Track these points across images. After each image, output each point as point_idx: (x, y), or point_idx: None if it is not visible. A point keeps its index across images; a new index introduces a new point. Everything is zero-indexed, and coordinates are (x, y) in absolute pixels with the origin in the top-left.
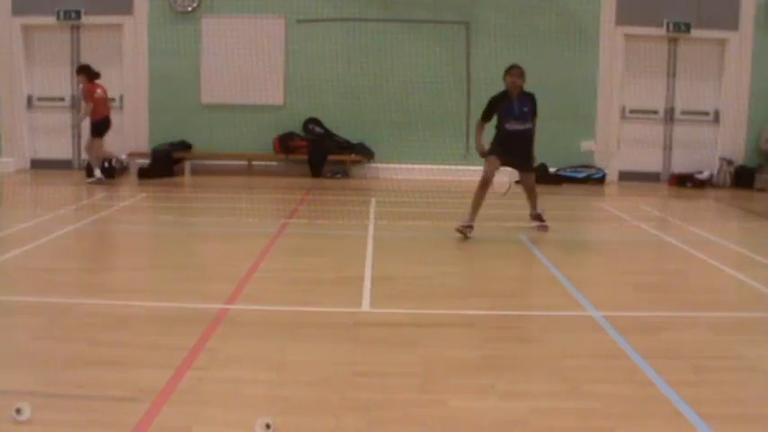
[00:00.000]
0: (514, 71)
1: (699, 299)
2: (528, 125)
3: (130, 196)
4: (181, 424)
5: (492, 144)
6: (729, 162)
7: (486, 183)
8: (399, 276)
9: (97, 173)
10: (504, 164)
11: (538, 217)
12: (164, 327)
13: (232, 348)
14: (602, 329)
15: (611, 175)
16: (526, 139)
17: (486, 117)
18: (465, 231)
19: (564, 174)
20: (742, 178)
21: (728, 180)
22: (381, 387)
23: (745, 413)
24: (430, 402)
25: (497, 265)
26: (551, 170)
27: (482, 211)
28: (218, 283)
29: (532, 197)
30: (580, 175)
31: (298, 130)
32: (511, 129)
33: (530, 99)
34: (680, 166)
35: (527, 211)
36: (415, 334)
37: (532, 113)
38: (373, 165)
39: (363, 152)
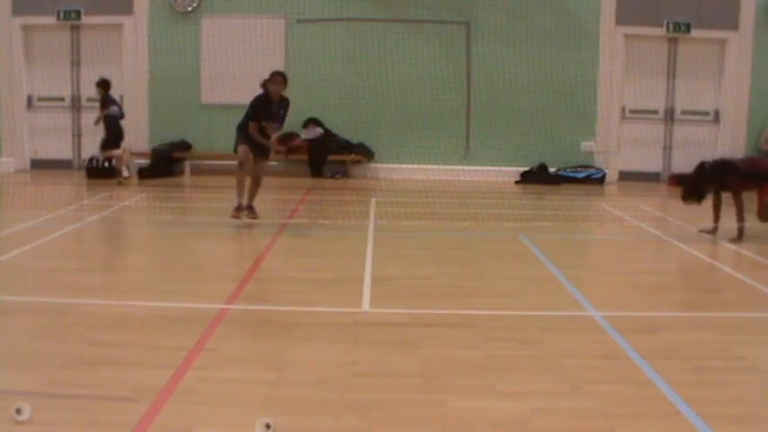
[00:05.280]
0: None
1: (699, 299)
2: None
3: (130, 196)
4: (181, 424)
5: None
6: None
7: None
8: (399, 276)
9: None
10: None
11: (251, 209)
12: (164, 327)
13: (232, 348)
14: (602, 329)
15: (611, 175)
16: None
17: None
18: (239, 215)
19: (564, 174)
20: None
21: None
22: (381, 387)
23: (745, 413)
24: (430, 402)
25: (497, 265)
26: (551, 170)
27: (482, 211)
28: (218, 283)
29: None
30: (580, 175)
31: (298, 130)
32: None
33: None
34: (680, 166)
35: (527, 211)
36: (415, 334)
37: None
38: (373, 165)
39: (363, 152)
